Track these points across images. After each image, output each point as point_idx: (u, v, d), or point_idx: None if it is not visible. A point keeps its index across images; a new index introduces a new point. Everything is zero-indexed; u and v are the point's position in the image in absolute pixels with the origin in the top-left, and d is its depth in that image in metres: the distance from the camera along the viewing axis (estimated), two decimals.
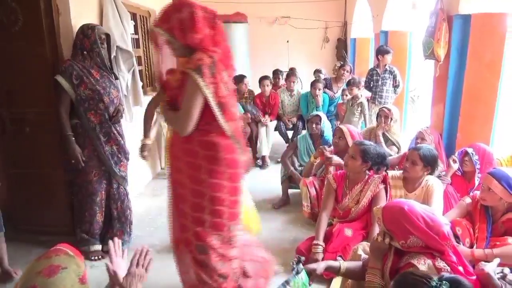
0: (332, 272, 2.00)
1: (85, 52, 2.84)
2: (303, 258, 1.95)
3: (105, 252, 2.96)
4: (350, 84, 5.07)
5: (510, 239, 2.11)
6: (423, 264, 1.58)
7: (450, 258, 1.60)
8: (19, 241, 3.17)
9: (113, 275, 1.45)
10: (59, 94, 2.80)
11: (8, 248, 2.85)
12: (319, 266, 1.94)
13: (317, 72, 6.59)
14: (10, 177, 3.23)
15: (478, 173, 2.93)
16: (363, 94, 5.12)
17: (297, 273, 1.87)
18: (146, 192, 4.38)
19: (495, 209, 2.26)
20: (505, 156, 3.12)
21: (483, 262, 1.81)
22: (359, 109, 5.00)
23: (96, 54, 2.86)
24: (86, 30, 2.84)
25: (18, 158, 3.17)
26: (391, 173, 2.87)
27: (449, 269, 1.56)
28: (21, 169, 3.18)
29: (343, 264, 1.94)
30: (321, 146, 3.44)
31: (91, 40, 2.83)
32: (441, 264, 1.58)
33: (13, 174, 3.21)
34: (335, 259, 2.59)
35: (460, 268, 1.57)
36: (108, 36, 3.02)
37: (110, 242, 1.58)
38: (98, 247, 3.02)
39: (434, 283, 1.27)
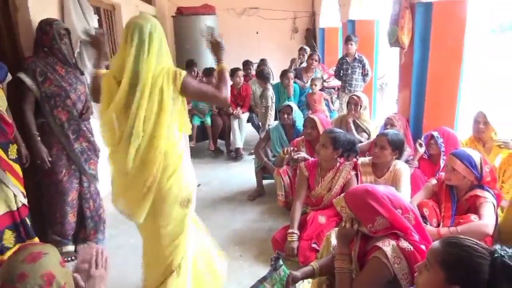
0: (309, 277, 1.98)
1: (45, 49, 2.74)
2: (282, 254, 1.97)
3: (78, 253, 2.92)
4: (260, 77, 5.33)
5: (473, 216, 2.21)
6: (387, 246, 1.63)
7: (413, 237, 1.66)
8: None
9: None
10: (22, 93, 2.69)
11: None
12: (297, 276, 1.91)
13: (302, 50, 6.66)
14: None
15: (444, 155, 3.04)
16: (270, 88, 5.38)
17: (275, 269, 1.89)
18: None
19: (459, 188, 2.36)
20: (465, 138, 3.25)
21: None
22: (263, 101, 5.25)
23: (57, 50, 2.76)
24: (44, 26, 2.73)
25: None
26: (360, 160, 2.94)
27: (412, 248, 1.63)
28: None
29: (315, 264, 1.94)
30: (286, 148, 3.48)
31: (49, 36, 2.72)
32: (404, 244, 1.64)
33: None
34: (310, 246, 2.66)
35: (423, 247, 1.64)
36: (68, 31, 2.92)
37: (92, 250, 1.48)
38: (71, 248, 2.96)
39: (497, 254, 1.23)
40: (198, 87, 1.96)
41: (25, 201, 2.58)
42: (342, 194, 1.82)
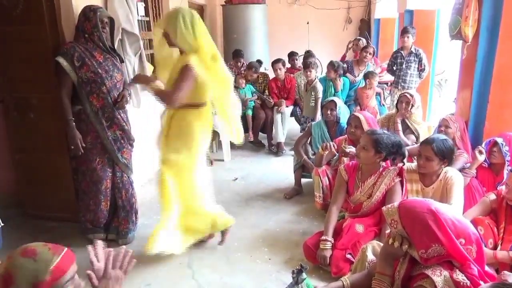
0: None
1: (86, 35, 2.74)
2: (306, 267, 1.79)
3: (109, 241, 2.93)
4: (308, 66, 4.87)
5: None
6: (438, 276, 1.38)
7: (471, 270, 1.40)
8: (26, 227, 3.17)
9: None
10: (60, 77, 2.72)
11: (15, 235, 2.85)
12: None
13: (355, 40, 6.35)
14: (17, 162, 3.23)
15: (508, 165, 2.66)
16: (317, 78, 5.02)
17: (297, 283, 1.71)
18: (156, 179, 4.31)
19: None
20: None
21: (506, 272, 1.60)
22: (313, 93, 4.87)
23: (97, 37, 2.75)
24: (88, 12, 2.73)
25: (25, 143, 3.14)
26: (406, 165, 2.65)
27: (468, 283, 1.37)
28: (28, 154, 3.15)
29: (346, 281, 1.76)
30: (325, 143, 3.24)
31: (92, 23, 2.72)
32: (459, 277, 1.39)
33: (20, 159, 3.20)
34: (345, 256, 2.44)
35: (482, 283, 1.37)
36: (112, 20, 2.90)
37: (89, 247, 1.47)
38: (102, 236, 2.98)
39: None
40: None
41: None
42: (396, 204, 1.54)
